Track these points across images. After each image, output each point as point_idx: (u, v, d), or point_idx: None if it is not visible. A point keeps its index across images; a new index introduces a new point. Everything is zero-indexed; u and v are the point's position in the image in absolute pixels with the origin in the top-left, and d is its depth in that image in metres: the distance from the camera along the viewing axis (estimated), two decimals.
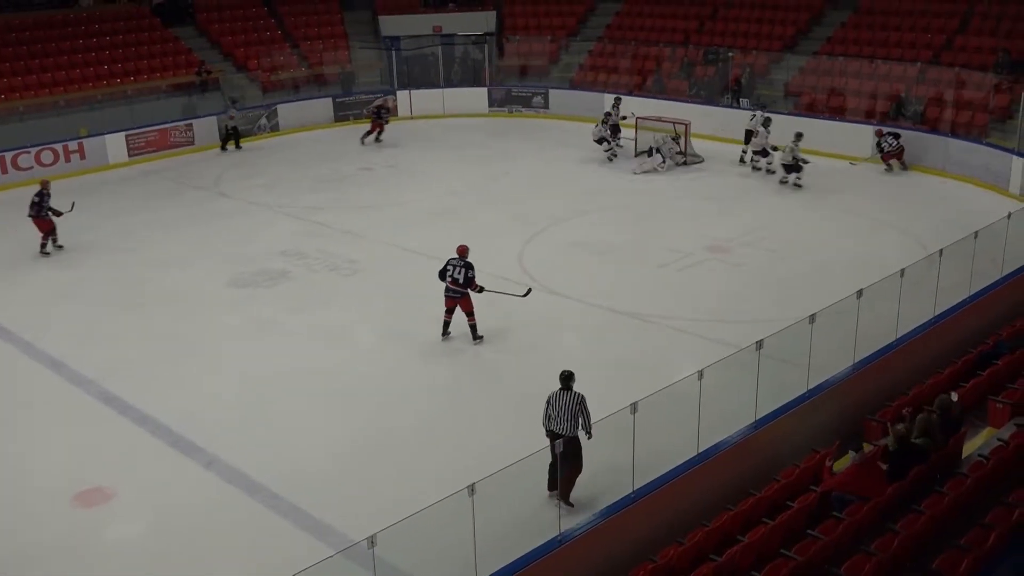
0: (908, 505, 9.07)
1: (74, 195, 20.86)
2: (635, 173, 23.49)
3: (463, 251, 14.25)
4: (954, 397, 10.56)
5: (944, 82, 24.70)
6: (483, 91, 31.35)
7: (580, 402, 10.13)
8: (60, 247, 19.23)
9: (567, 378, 10.28)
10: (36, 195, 18.89)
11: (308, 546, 9.84)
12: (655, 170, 23.53)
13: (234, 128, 27.26)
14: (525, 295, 14.93)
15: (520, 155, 25.87)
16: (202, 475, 11.39)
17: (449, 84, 32.00)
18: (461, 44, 33.18)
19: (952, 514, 8.92)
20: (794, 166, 21.89)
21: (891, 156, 23.24)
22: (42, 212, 18.89)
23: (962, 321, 13.21)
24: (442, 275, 14.20)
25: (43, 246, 19.09)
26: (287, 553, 9.67)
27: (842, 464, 10.28)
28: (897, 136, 23.34)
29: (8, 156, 24.22)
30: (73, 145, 25.25)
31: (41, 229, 19.01)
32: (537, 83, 31.54)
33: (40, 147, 24.63)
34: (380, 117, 27.54)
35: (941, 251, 13.26)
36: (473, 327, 14.43)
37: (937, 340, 12.79)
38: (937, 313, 13.06)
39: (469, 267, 14.09)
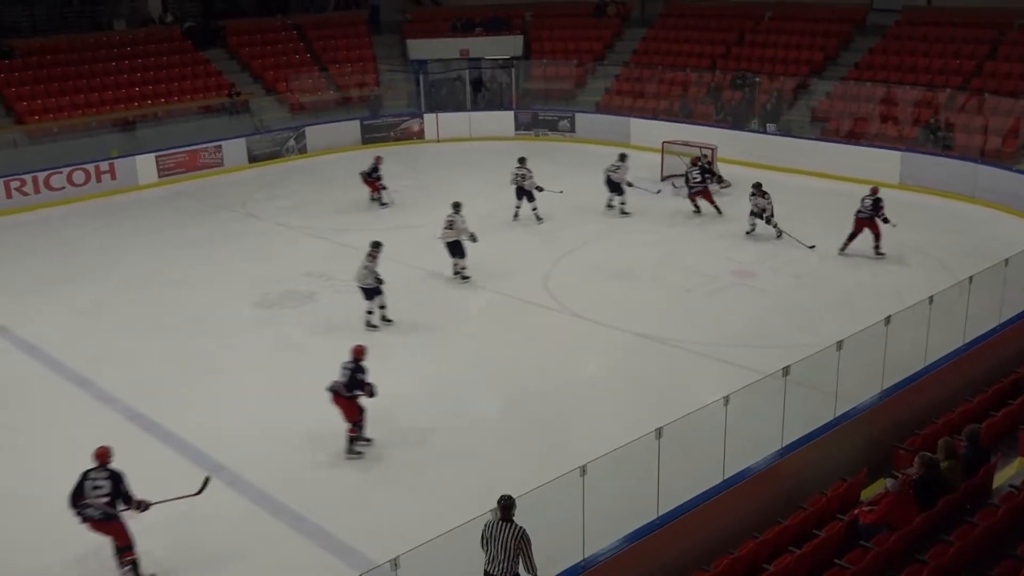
0: (938, 535, 8.94)
1: (104, 215, 21.08)
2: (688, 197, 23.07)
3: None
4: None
5: (973, 108, 24.56)
6: (510, 115, 31.42)
7: (520, 537, 8.37)
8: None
9: (507, 507, 8.42)
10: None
11: (331, 568, 9.83)
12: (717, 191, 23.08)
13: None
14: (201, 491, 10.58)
15: (546, 178, 25.81)
16: (225, 494, 11.40)
17: (475, 108, 32.11)
18: (488, 68, 33.35)
19: (983, 545, 8.78)
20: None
21: (696, 195, 21.78)
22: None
23: (992, 349, 13.05)
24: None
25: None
26: (309, 574, 9.64)
27: (870, 492, 10.15)
28: (707, 172, 22.16)
29: (41, 176, 24.49)
30: (104, 166, 25.51)
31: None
32: (564, 107, 31.63)
33: (72, 167, 24.92)
34: None
35: (971, 278, 13.12)
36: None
37: (967, 368, 12.63)
38: (967, 341, 12.91)
39: None
